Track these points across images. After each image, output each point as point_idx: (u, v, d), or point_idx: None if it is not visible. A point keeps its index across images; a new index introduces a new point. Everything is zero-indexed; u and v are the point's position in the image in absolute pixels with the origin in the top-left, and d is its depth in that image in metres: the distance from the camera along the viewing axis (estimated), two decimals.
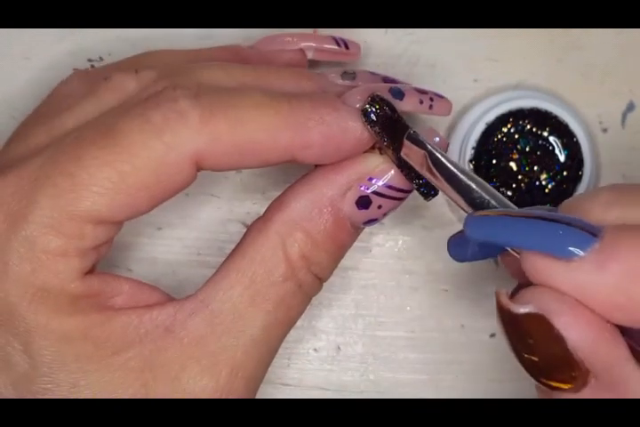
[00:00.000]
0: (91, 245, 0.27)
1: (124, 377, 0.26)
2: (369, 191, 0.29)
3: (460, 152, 0.37)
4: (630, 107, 0.38)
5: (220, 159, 0.27)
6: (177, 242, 0.37)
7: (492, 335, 0.37)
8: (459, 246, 0.30)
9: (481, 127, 0.36)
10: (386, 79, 0.31)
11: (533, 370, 0.25)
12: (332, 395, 0.37)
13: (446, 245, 0.31)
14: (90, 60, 0.38)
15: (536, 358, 0.25)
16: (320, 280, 0.29)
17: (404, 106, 0.29)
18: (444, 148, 0.30)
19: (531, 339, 0.25)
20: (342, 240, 0.29)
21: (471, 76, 0.38)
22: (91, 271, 0.27)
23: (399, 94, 0.29)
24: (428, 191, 0.29)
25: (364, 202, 0.29)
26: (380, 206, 0.29)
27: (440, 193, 0.29)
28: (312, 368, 0.37)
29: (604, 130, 0.38)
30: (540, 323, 0.24)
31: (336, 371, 0.37)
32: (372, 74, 0.32)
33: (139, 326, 0.27)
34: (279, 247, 0.28)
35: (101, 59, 0.38)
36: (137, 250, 0.37)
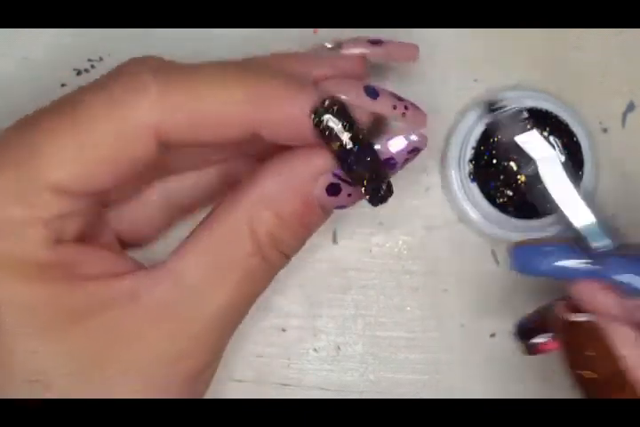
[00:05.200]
0: (54, 214, 0.26)
1: (86, 344, 0.27)
2: (340, 179, 0.29)
3: (460, 152, 0.37)
4: (630, 107, 0.38)
5: (180, 132, 0.27)
6: (178, 242, 0.37)
7: (492, 335, 0.37)
8: (531, 257, 0.30)
9: (481, 127, 0.36)
10: (371, 41, 0.32)
11: (592, 388, 0.25)
12: (332, 395, 0.37)
13: (509, 252, 0.30)
14: (90, 60, 0.38)
15: (595, 375, 0.25)
16: (286, 256, 0.30)
17: (376, 106, 0.29)
18: (424, 143, 0.30)
19: (591, 351, 0.25)
20: (310, 222, 0.30)
21: (471, 76, 0.38)
22: (63, 241, 0.27)
23: (373, 93, 0.29)
24: (374, 197, 0.29)
25: (334, 189, 0.29)
26: (349, 195, 0.29)
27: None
28: (312, 368, 0.37)
29: (604, 130, 0.38)
30: (597, 333, 0.24)
31: (336, 371, 0.37)
32: (357, 39, 0.32)
33: (105, 295, 0.27)
34: (246, 224, 0.28)
35: (101, 59, 0.38)
36: (136, 250, 0.36)
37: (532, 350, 0.30)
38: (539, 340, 0.30)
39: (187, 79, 0.27)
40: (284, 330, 0.37)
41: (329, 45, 0.31)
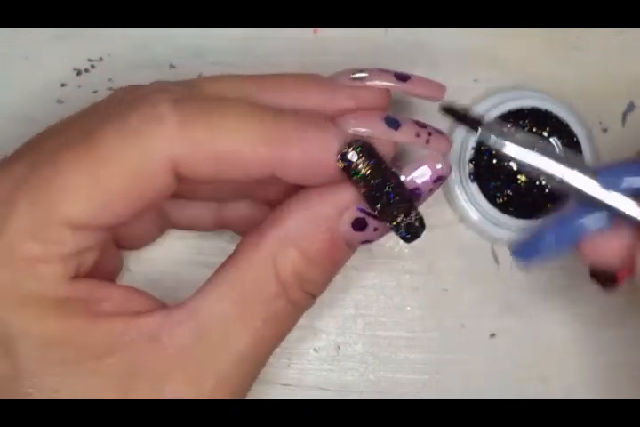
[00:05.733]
0: (71, 250, 0.26)
1: (105, 383, 0.26)
2: (366, 214, 0.28)
3: (460, 152, 0.37)
4: (630, 107, 0.38)
5: (197, 167, 0.26)
6: (178, 241, 0.37)
7: (492, 335, 0.37)
8: (530, 244, 0.30)
9: None
10: (398, 75, 0.30)
11: None
12: (332, 395, 0.37)
13: (510, 246, 0.30)
14: (90, 60, 0.38)
15: None
16: (312, 296, 0.29)
17: (399, 136, 0.29)
18: (448, 171, 0.29)
19: None
20: (337, 258, 0.29)
21: (471, 76, 0.38)
22: (80, 276, 0.27)
23: (394, 124, 0.29)
24: (408, 233, 0.28)
25: (360, 224, 0.28)
26: (376, 229, 0.29)
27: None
28: (312, 368, 0.37)
29: (604, 130, 0.38)
30: None
31: (336, 371, 0.37)
32: (384, 71, 0.30)
33: (124, 333, 0.27)
34: (271, 264, 0.27)
35: (101, 59, 0.38)
36: (137, 250, 0.36)
37: (615, 280, 0.30)
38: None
39: (208, 113, 0.26)
40: None
41: (354, 75, 0.30)
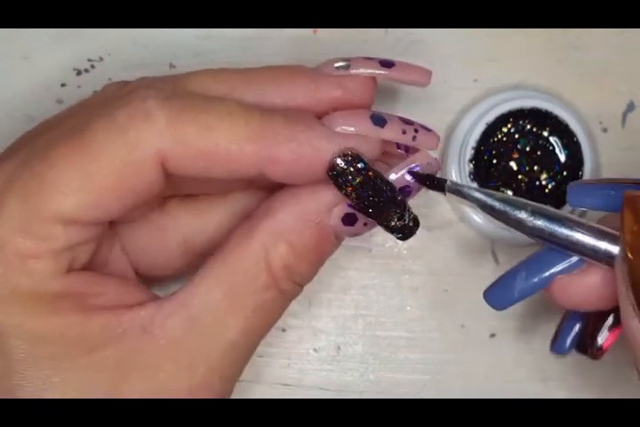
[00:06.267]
0: (63, 246, 0.26)
1: (98, 375, 0.27)
2: (356, 209, 0.28)
3: (460, 152, 0.37)
4: (630, 107, 0.38)
5: (185, 163, 0.27)
6: None
7: (492, 335, 0.37)
8: (501, 290, 0.30)
9: (481, 127, 0.36)
10: (383, 62, 0.30)
11: None
12: (332, 395, 0.37)
13: (483, 296, 0.30)
14: (90, 60, 0.38)
15: None
16: (300, 285, 0.29)
17: (385, 134, 0.29)
18: (437, 169, 0.29)
19: None
20: (325, 251, 0.29)
21: (471, 76, 0.38)
22: (74, 270, 0.27)
23: (381, 121, 0.29)
24: (402, 233, 0.29)
25: (350, 219, 0.29)
26: (365, 224, 0.29)
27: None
28: (312, 368, 0.37)
29: (604, 130, 0.38)
30: None
31: (336, 371, 0.37)
32: (368, 59, 0.30)
33: (117, 326, 0.27)
34: (261, 257, 0.28)
35: (101, 59, 0.38)
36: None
37: (600, 351, 0.30)
38: (600, 341, 0.30)
39: (196, 111, 0.27)
40: (283, 330, 0.37)
41: (337, 64, 0.30)
